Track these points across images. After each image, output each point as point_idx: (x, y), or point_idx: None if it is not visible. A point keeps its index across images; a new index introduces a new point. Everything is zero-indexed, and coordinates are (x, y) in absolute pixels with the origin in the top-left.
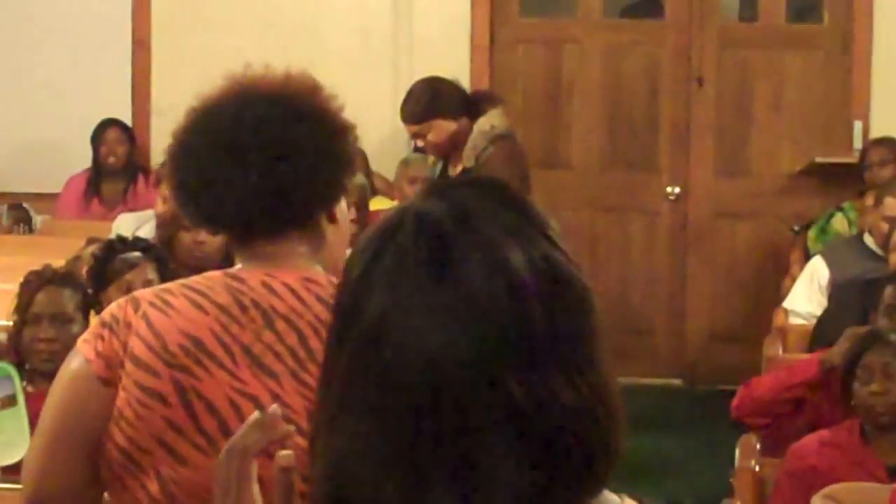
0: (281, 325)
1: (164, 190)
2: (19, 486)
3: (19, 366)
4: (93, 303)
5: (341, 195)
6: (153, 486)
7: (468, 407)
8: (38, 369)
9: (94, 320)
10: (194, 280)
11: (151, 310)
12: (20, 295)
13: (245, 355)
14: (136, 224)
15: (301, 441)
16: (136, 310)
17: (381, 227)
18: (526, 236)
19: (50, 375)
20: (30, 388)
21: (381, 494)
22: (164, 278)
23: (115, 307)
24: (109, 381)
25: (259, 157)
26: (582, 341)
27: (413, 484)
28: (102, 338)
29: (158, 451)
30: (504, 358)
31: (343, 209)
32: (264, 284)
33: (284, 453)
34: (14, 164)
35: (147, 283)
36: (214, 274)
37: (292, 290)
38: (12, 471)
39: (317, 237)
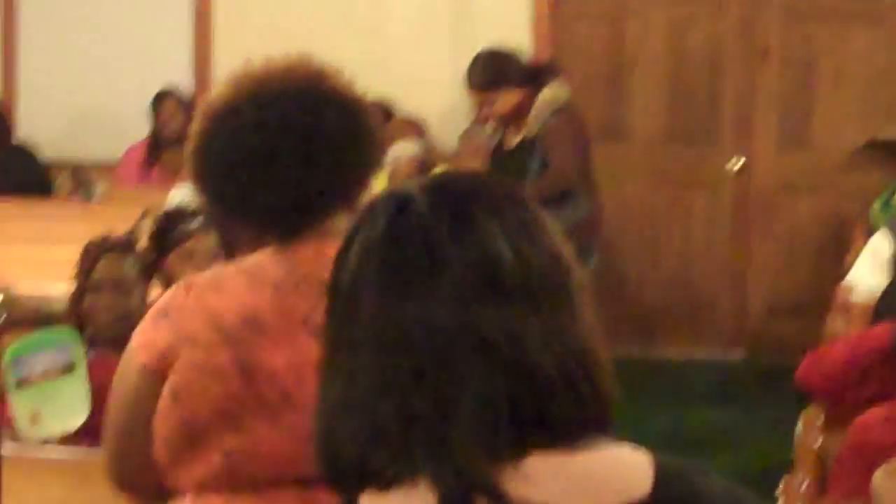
0: None
1: None
2: (78, 455)
3: (80, 332)
4: (154, 271)
5: (375, 171)
6: (216, 459)
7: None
8: (99, 336)
9: (155, 291)
10: (246, 261)
11: (206, 292)
12: (81, 262)
13: (302, 325)
14: (192, 194)
15: None
16: (188, 292)
17: (361, 209)
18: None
19: (111, 342)
20: (91, 355)
21: (366, 433)
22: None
23: (168, 295)
24: (161, 369)
25: (290, 157)
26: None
27: (398, 423)
28: (158, 330)
29: (219, 424)
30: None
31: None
32: (315, 258)
33: None
34: (75, 132)
35: (208, 251)
36: (265, 253)
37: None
38: (72, 438)
39: None
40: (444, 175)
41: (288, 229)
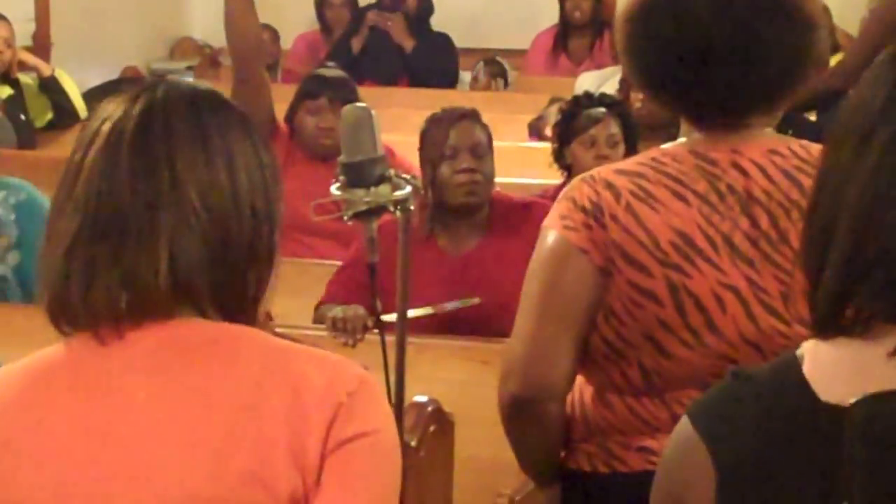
0: (755, 209)
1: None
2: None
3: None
4: (557, 156)
5: (801, 84)
6: (633, 374)
7: None
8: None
9: (563, 196)
10: (664, 162)
11: (636, 202)
12: (431, 135)
13: (725, 245)
14: (598, 82)
15: (779, 325)
16: (617, 199)
17: (888, 59)
18: None
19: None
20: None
21: None
22: (627, 135)
23: (590, 191)
24: (606, 272)
25: (735, 57)
26: None
27: None
28: (590, 227)
29: (645, 345)
30: None
31: None
32: (734, 165)
33: None
34: (489, 19)
35: (610, 138)
36: (680, 152)
37: (761, 168)
38: None
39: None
40: None
41: (715, 126)
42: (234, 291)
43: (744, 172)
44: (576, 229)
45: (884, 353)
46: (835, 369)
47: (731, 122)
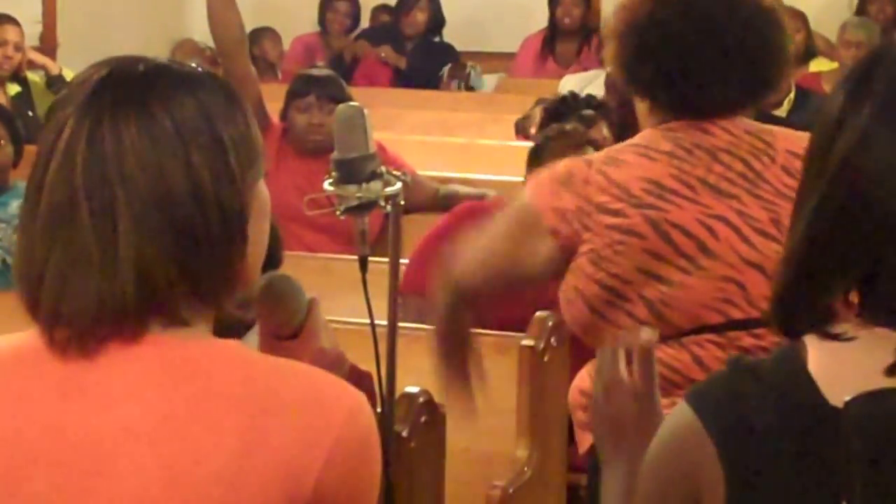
0: (725, 157)
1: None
2: None
3: None
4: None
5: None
6: (640, 310)
7: None
8: None
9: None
10: (633, 140)
11: (605, 166)
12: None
13: (702, 185)
14: (582, 84)
15: (777, 246)
16: (589, 167)
17: (861, 62)
18: None
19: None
20: None
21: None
22: (618, 137)
23: (568, 164)
24: (556, 233)
25: (740, 57)
26: None
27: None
28: (557, 194)
29: (641, 278)
30: None
31: None
32: (697, 127)
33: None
34: (481, 22)
35: (603, 139)
36: (649, 131)
37: (723, 128)
38: None
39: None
40: None
41: (701, 114)
42: (208, 285)
43: (706, 132)
44: (539, 192)
45: (881, 353)
46: (837, 368)
47: (714, 115)
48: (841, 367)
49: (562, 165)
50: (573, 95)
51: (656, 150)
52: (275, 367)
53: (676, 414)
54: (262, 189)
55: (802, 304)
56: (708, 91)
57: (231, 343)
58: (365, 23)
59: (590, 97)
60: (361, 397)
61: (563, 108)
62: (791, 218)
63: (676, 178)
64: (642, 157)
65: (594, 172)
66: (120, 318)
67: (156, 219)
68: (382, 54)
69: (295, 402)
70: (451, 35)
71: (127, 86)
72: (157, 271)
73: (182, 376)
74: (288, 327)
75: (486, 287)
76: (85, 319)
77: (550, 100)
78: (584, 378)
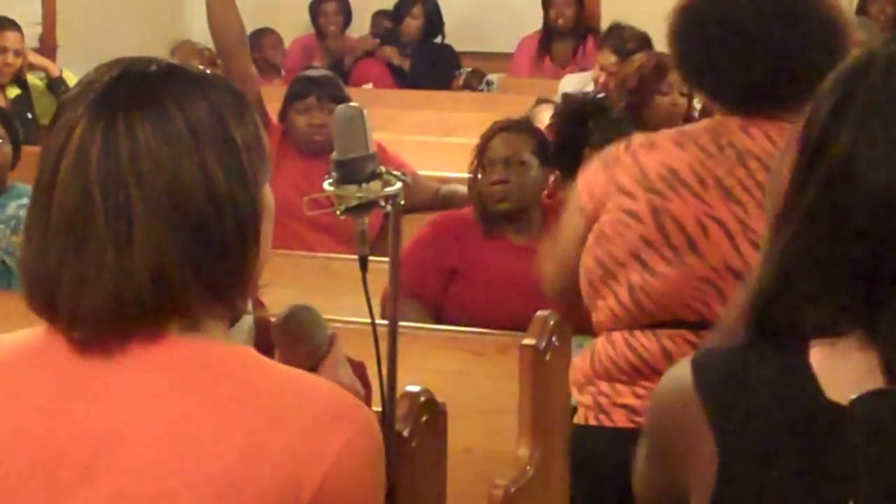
0: (753, 163)
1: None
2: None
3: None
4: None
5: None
6: (623, 294)
7: None
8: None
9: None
10: (683, 126)
11: (640, 149)
12: (479, 144)
13: (716, 184)
14: (582, 84)
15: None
16: (626, 149)
17: (848, 67)
18: None
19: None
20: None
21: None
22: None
23: (611, 149)
24: (584, 210)
25: (764, 50)
26: None
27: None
28: (595, 173)
29: (631, 262)
30: None
31: None
32: (742, 129)
33: None
34: (478, 22)
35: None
36: (702, 123)
37: (767, 135)
38: None
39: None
40: None
41: (749, 109)
42: (223, 285)
43: (749, 135)
44: (585, 177)
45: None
46: (839, 367)
47: (769, 113)
48: (840, 365)
49: (608, 149)
50: (584, 95)
51: (693, 142)
52: (288, 376)
53: (675, 374)
54: (269, 191)
55: (790, 308)
56: (757, 91)
57: (246, 349)
58: (365, 29)
59: (597, 95)
60: (371, 416)
61: (578, 108)
62: (774, 220)
63: (694, 172)
64: (676, 144)
65: (627, 154)
66: (138, 317)
67: (171, 218)
68: (388, 51)
69: (302, 413)
70: (449, 35)
71: (141, 85)
72: (173, 271)
73: (197, 379)
74: (308, 361)
75: (571, 287)
76: (104, 319)
77: (562, 100)
78: (584, 356)
